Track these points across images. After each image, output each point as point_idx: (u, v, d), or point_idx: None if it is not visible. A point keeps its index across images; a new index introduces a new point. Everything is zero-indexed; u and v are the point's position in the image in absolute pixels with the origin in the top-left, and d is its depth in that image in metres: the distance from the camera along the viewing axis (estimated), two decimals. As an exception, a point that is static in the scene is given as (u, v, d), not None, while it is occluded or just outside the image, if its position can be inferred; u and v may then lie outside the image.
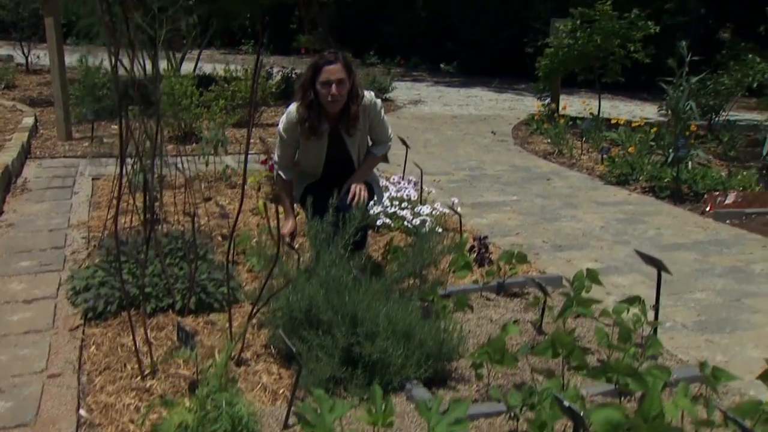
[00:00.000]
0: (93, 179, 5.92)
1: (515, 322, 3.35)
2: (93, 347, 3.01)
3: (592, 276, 3.30)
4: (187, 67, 11.04)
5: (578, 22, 9.62)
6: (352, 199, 3.50)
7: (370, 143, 3.82)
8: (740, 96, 9.29)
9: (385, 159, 3.86)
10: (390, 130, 3.83)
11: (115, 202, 4.04)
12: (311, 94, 3.48)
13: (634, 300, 3.01)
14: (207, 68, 12.63)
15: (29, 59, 13.14)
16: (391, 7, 19.63)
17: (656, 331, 3.07)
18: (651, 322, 3.05)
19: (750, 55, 8.83)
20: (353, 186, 3.55)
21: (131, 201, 4.10)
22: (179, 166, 4.81)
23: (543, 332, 3.24)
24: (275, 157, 3.77)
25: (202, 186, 5.62)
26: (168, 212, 4.85)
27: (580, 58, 9.77)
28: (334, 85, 3.41)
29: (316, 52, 4.02)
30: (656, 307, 3.05)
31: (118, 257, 2.92)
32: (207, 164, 5.83)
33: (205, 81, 9.77)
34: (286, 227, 3.71)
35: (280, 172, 3.76)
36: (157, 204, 4.62)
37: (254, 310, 2.88)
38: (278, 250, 2.78)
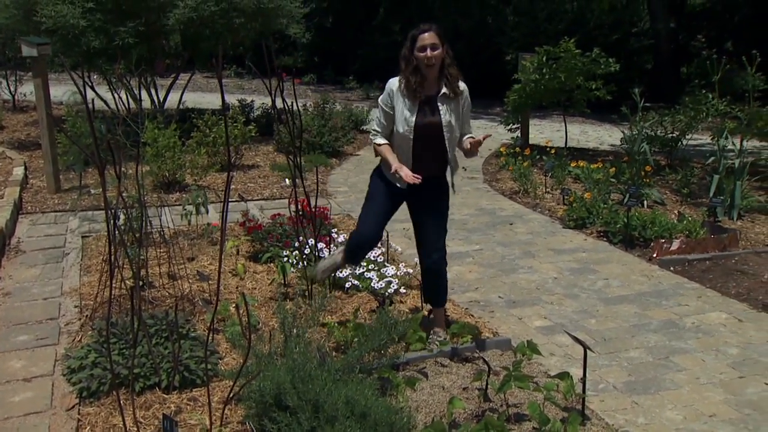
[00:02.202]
0: (82, 237, 6.30)
1: (465, 389, 3.80)
2: (88, 428, 3.40)
3: (532, 347, 3.73)
4: (171, 97, 11.45)
5: (544, 58, 10.10)
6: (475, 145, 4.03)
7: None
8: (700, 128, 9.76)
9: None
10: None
11: (105, 266, 4.46)
12: (413, 60, 3.98)
13: (563, 375, 3.45)
14: (189, 98, 13.05)
15: (15, 97, 13.48)
16: (369, 31, 20.10)
17: (584, 402, 3.49)
18: (579, 394, 3.47)
19: (704, 91, 9.32)
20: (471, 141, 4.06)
21: (119, 264, 4.52)
22: (162, 221, 5.20)
23: (488, 399, 3.66)
24: (373, 129, 4.21)
25: (186, 244, 6.03)
26: (153, 275, 5.25)
27: (546, 93, 10.26)
28: (428, 49, 3.90)
29: (298, 74, 4.53)
30: (583, 381, 3.48)
31: (107, 340, 3.32)
32: (189, 223, 6.21)
33: (188, 117, 10.16)
34: (404, 170, 3.95)
35: (377, 140, 4.16)
36: (142, 272, 5.05)
37: (229, 395, 3.29)
38: (249, 343, 3.19)
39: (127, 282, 4.86)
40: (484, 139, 4.02)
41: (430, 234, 4.24)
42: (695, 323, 4.74)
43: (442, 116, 4.02)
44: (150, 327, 3.93)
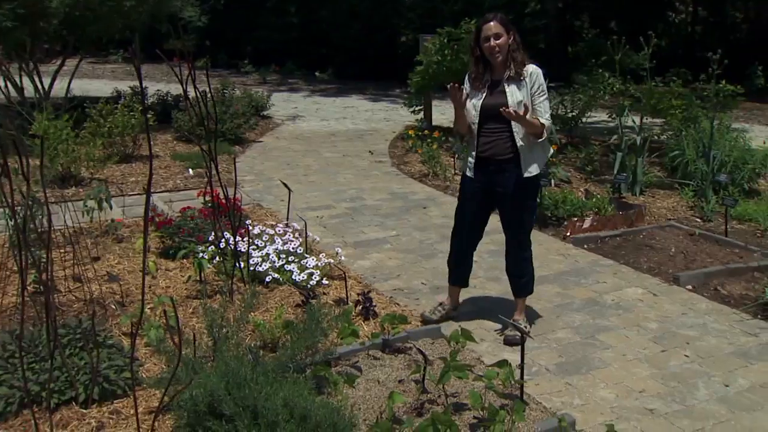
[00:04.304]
0: (-30, 239, 5.80)
1: (401, 381, 3.72)
2: (-1, 452, 3.12)
3: (466, 335, 3.69)
4: (57, 85, 10.80)
5: (445, 40, 10.12)
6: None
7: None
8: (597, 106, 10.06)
9: (543, 130, 4.13)
10: (548, 107, 4.20)
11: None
12: (477, 50, 4.14)
13: (502, 363, 3.43)
14: (75, 85, 12.31)
15: None
16: (263, 13, 19.62)
17: (522, 389, 3.49)
18: (517, 380, 3.47)
19: (600, 70, 9.60)
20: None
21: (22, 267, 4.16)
22: (61, 219, 4.84)
23: (426, 391, 3.60)
24: None
25: (89, 243, 5.66)
26: (56, 278, 4.88)
27: (449, 74, 10.27)
28: (492, 39, 4.02)
29: (190, 58, 4.32)
30: (521, 367, 3.48)
31: (19, 354, 3.04)
32: (92, 219, 5.84)
33: (80, 105, 9.58)
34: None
35: None
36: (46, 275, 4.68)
37: (160, 405, 3.08)
38: (180, 348, 2.99)
39: (28, 288, 4.50)
40: (523, 113, 3.96)
41: (506, 232, 4.45)
42: (615, 300, 4.85)
43: (509, 96, 4.07)
44: (62, 336, 3.64)
